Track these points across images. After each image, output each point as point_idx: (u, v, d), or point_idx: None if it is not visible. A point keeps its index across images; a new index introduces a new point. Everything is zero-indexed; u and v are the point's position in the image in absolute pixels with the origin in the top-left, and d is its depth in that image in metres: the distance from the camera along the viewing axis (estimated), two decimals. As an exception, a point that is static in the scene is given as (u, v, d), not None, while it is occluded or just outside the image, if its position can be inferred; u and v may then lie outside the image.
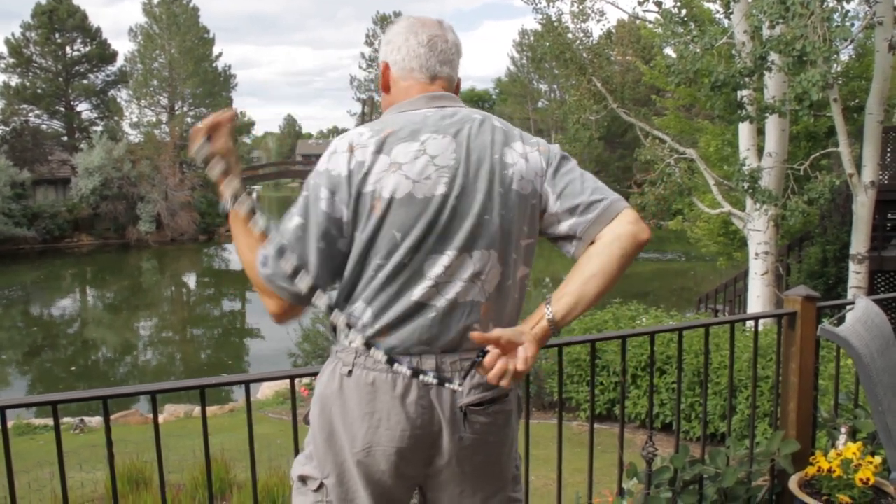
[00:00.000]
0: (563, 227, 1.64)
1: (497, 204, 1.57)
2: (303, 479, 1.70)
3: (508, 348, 1.48)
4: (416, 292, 1.54)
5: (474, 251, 1.56)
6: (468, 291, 1.57)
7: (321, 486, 1.65)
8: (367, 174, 1.53)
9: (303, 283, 1.55)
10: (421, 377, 1.55)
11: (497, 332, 1.48)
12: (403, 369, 1.55)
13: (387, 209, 1.52)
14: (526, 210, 1.62)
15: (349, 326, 1.59)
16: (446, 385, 1.56)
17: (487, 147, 1.60)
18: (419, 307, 1.55)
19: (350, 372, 1.58)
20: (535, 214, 1.64)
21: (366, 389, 1.56)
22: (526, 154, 1.63)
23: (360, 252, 1.55)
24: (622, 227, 1.59)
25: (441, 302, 1.55)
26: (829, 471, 2.67)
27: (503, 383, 1.47)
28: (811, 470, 2.75)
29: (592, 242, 1.60)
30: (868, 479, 2.59)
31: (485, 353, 1.47)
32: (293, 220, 1.57)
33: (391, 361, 1.55)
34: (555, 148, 1.69)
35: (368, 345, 1.56)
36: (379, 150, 1.54)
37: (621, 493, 2.88)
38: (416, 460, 1.60)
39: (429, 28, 1.70)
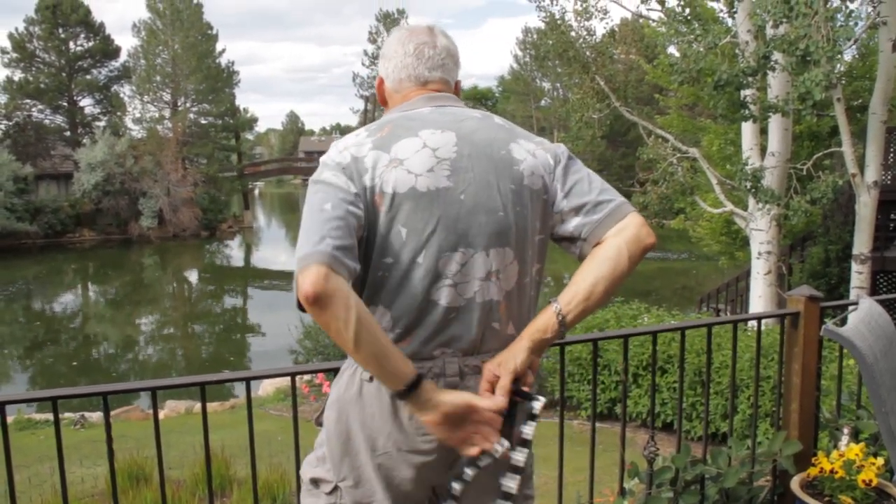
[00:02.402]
0: (569, 226, 1.63)
1: (510, 201, 1.56)
2: (315, 482, 1.68)
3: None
4: (434, 293, 1.52)
5: (490, 249, 1.54)
6: (486, 290, 1.55)
7: (336, 489, 1.63)
8: (366, 168, 1.51)
9: (330, 242, 1.38)
10: (443, 381, 1.53)
11: (491, 369, 1.54)
12: (426, 375, 1.51)
13: (391, 205, 1.49)
14: (538, 206, 1.61)
15: None
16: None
17: (492, 143, 1.58)
18: (438, 308, 1.53)
19: (372, 378, 1.54)
20: (546, 210, 1.63)
21: (388, 395, 1.52)
22: (533, 151, 1.62)
23: (370, 252, 1.53)
24: (629, 230, 1.58)
25: (460, 302, 1.54)
26: (832, 472, 2.66)
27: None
28: (813, 471, 2.74)
29: (598, 243, 1.59)
30: (870, 481, 2.58)
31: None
32: (306, 214, 1.46)
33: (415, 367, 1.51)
34: (561, 147, 1.69)
35: None
36: (376, 147, 1.53)
37: (622, 492, 2.87)
38: (438, 466, 1.58)
39: (416, 36, 1.69)
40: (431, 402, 1.45)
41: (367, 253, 1.53)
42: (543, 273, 1.70)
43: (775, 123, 9.34)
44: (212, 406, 10.54)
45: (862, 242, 8.86)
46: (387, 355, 1.41)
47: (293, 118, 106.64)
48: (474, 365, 1.55)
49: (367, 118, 49.12)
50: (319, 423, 1.70)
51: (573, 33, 12.37)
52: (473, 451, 1.48)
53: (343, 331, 1.34)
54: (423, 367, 1.52)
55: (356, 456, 1.59)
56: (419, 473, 1.57)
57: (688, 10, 9.76)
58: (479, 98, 50.77)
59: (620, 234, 1.58)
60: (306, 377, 8.93)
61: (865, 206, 8.72)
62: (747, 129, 9.90)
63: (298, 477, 1.85)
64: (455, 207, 1.51)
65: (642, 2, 10.75)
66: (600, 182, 1.65)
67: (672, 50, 12.53)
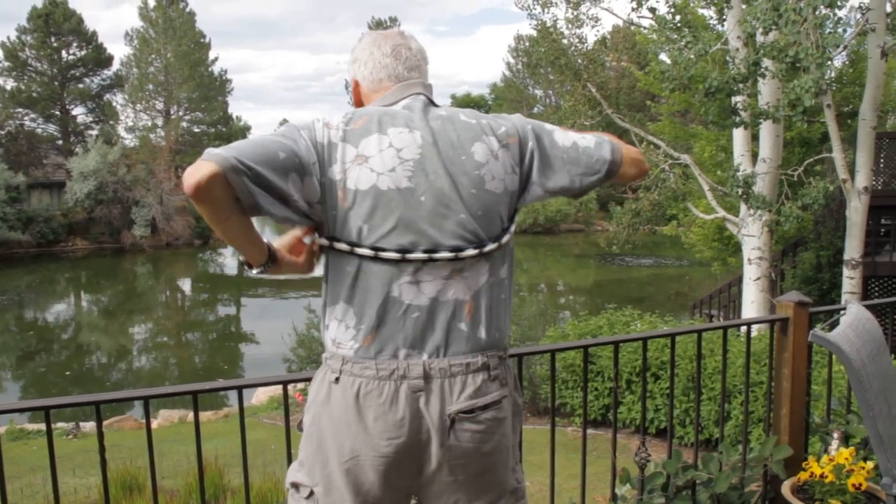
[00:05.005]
0: (560, 196, 1.76)
1: (472, 204, 1.58)
2: (295, 486, 1.69)
3: None
4: (395, 290, 1.54)
5: (453, 248, 1.56)
6: (450, 289, 1.57)
7: (311, 493, 1.64)
8: (336, 160, 1.54)
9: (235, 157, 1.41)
10: (407, 383, 1.54)
11: None
12: (389, 376, 1.54)
13: (353, 201, 1.53)
14: (501, 208, 1.63)
15: (335, 332, 1.60)
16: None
17: (455, 145, 1.60)
18: (401, 306, 1.54)
19: (337, 379, 1.56)
20: (510, 212, 1.66)
21: (352, 397, 1.54)
22: (496, 153, 1.63)
23: (331, 245, 1.56)
24: (624, 176, 1.75)
25: (423, 300, 1.55)
26: (822, 476, 2.67)
27: None
28: (804, 475, 2.76)
29: None
30: (860, 485, 2.60)
31: None
32: (254, 137, 1.54)
33: (377, 367, 1.54)
34: (525, 131, 1.68)
35: (354, 350, 1.56)
36: (347, 139, 1.55)
37: (614, 498, 2.88)
38: (406, 470, 1.57)
39: (391, 39, 1.73)
40: (284, 259, 1.65)
41: (332, 248, 1.57)
42: (514, 274, 1.72)
43: (766, 130, 9.40)
44: (205, 415, 10.52)
45: (853, 248, 8.91)
46: (244, 249, 1.58)
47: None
48: (440, 367, 1.55)
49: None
50: (300, 428, 1.71)
51: (565, 41, 12.42)
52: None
53: (213, 224, 1.50)
54: (386, 368, 1.53)
55: (326, 462, 1.60)
56: (386, 478, 1.56)
57: (678, 18, 9.81)
58: (471, 105, 50.81)
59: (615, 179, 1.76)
60: (300, 385, 8.91)
61: (856, 212, 8.77)
62: (738, 136, 9.95)
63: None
64: (415, 208, 1.54)
65: (633, 9, 10.78)
66: (576, 158, 1.70)
67: (663, 57, 12.60)
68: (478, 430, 1.58)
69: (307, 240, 1.65)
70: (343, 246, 1.55)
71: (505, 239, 1.64)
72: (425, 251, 1.54)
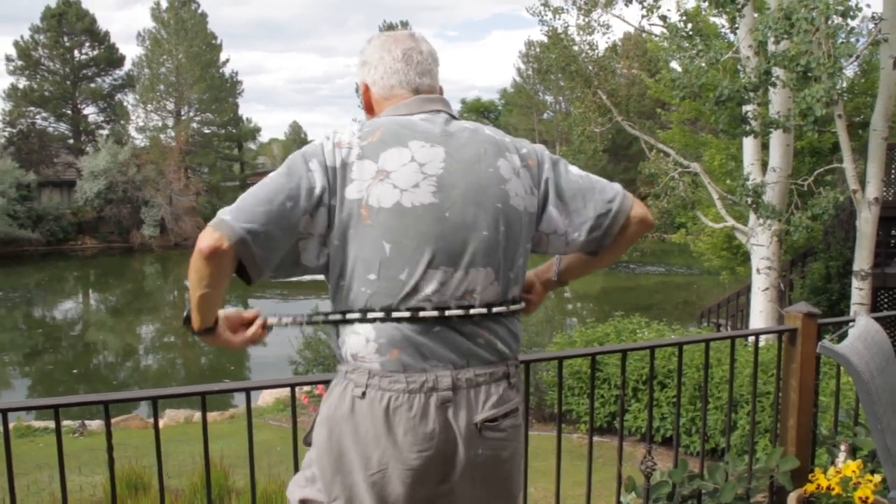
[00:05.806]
0: (574, 246, 1.70)
1: (496, 220, 1.57)
2: (304, 503, 1.67)
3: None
4: (416, 309, 1.53)
5: (471, 268, 1.55)
6: (467, 308, 1.56)
7: None
8: (352, 179, 1.52)
9: (238, 221, 1.45)
10: (436, 395, 1.53)
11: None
12: (419, 389, 1.53)
13: (376, 220, 1.50)
14: (524, 227, 1.62)
15: (356, 347, 1.57)
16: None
17: (480, 159, 1.58)
18: (421, 324, 1.53)
19: (364, 394, 1.54)
20: (531, 231, 1.65)
21: (381, 411, 1.53)
22: (518, 171, 1.62)
23: (354, 265, 1.54)
24: (631, 227, 1.70)
25: (440, 318, 1.54)
26: (829, 488, 2.66)
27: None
28: (810, 487, 2.75)
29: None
30: (867, 498, 2.59)
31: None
32: (268, 178, 1.54)
33: (406, 381, 1.53)
34: (542, 157, 1.68)
35: (381, 363, 1.54)
36: (365, 155, 1.53)
37: (619, 506, 2.87)
38: (431, 479, 1.57)
39: (402, 42, 1.70)
40: (223, 335, 1.63)
41: (351, 266, 1.54)
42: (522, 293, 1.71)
43: (776, 139, 9.37)
44: (211, 415, 10.53)
45: (862, 258, 8.87)
46: (202, 312, 1.56)
47: (296, 128, 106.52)
48: (467, 378, 1.55)
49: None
50: (308, 443, 1.69)
51: (575, 47, 12.42)
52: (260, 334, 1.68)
53: (195, 284, 1.49)
54: (415, 381, 1.52)
55: (349, 474, 1.58)
56: (411, 490, 1.56)
57: (690, 26, 9.79)
58: (481, 111, 50.87)
59: (624, 233, 1.70)
60: (305, 388, 8.92)
61: (866, 223, 8.73)
62: (748, 145, 9.92)
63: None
64: (440, 224, 1.52)
65: (644, 17, 10.77)
66: (589, 186, 1.68)
67: (674, 65, 12.58)
68: (500, 437, 1.60)
69: (254, 323, 1.67)
70: (378, 314, 1.54)
71: (521, 261, 1.66)
72: (445, 271, 1.53)
